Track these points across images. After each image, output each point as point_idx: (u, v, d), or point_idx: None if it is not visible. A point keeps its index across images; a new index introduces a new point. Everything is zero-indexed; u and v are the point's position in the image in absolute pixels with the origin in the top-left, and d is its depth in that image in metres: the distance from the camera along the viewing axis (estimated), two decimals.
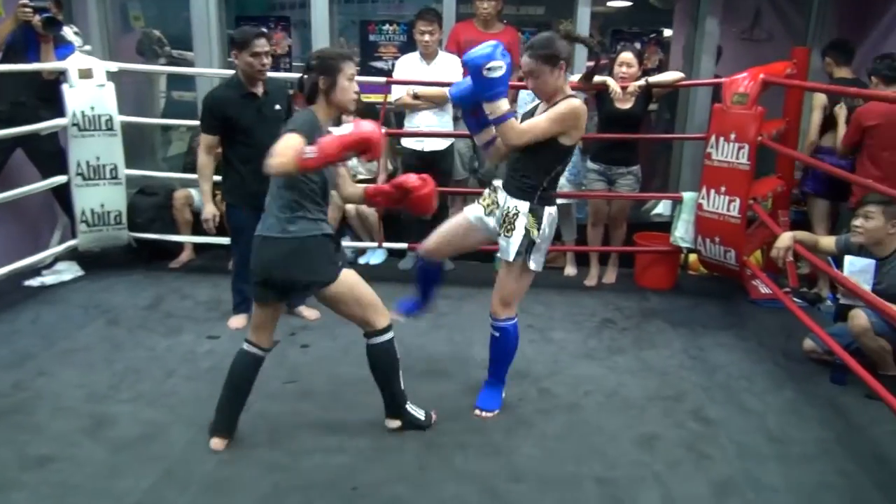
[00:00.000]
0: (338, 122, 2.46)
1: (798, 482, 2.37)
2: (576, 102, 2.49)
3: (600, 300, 4.00)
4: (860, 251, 3.14)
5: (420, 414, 2.63)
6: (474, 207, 2.78)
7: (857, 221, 3.08)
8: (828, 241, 3.30)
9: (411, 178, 2.53)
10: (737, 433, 2.65)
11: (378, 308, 2.46)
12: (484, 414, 2.76)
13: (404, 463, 2.43)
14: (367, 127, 2.20)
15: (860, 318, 2.95)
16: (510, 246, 2.57)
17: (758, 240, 4.01)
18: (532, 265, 2.60)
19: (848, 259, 3.07)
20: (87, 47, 4.26)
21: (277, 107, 3.36)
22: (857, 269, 2.99)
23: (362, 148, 2.18)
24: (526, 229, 2.55)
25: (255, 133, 3.21)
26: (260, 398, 2.82)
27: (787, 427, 2.70)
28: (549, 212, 2.61)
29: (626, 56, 3.95)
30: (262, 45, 3.17)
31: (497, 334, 2.71)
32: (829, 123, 4.06)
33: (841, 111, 3.97)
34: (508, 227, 2.58)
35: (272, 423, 2.66)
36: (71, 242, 4.18)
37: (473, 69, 2.39)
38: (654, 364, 3.22)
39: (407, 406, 2.61)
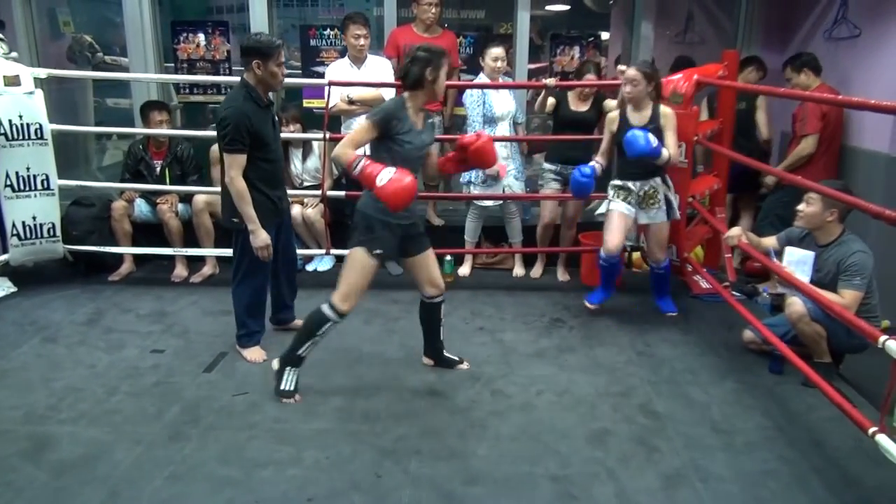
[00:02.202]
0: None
1: (743, 470, 2.46)
2: (670, 109, 3.49)
3: (549, 300, 4.06)
4: (802, 241, 3.25)
5: (290, 384, 2.86)
6: (619, 204, 3.55)
7: (800, 206, 3.19)
8: (770, 241, 3.43)
9: (466, 137, 2.91)
10: (683, 425, 2.73)
11: (352, 297, 2.77)
12: (671, 314, 3.72)
13: (359, 471, 2.42)
14: (396, 189, 2.54)
15: (796, 304, 3.06)
16: (661, 211, 3.54)
17: (697, 237, 4.15)
18: (676, 216, 3.63)
19: (787, 250, 3.20)
20: (14, 54, 4.08)
21: (276, 117, 3.26)
22: (794, 260, 3.12)
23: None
24: (665, 195, 3.54)
25: (272, 146, 3.10)
26: (209, 412, 2.77)
27: (730, 417, 2.80)
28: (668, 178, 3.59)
29: (591, 76, 4.09)
30: (282, 54, 3.00)
31: (662, 272, 3.71)
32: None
33: (763, 103, 4.48)
34: (651, 200, 3.52)
35: (222, 436, 2.60)
36: (2, 258, 4.00)
37: (649, 151, 3.28)
38: (602, 361, 3.29)
39: (289, 368, 2.86)
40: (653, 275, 3.78)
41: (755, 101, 4.47)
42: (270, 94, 3.17)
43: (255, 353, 3.26)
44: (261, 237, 3.02)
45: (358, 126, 2.62)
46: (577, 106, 4.13)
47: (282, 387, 2.85)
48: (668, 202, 3.56)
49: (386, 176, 2.54)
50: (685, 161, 3.77)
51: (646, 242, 3.84)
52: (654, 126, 3.41)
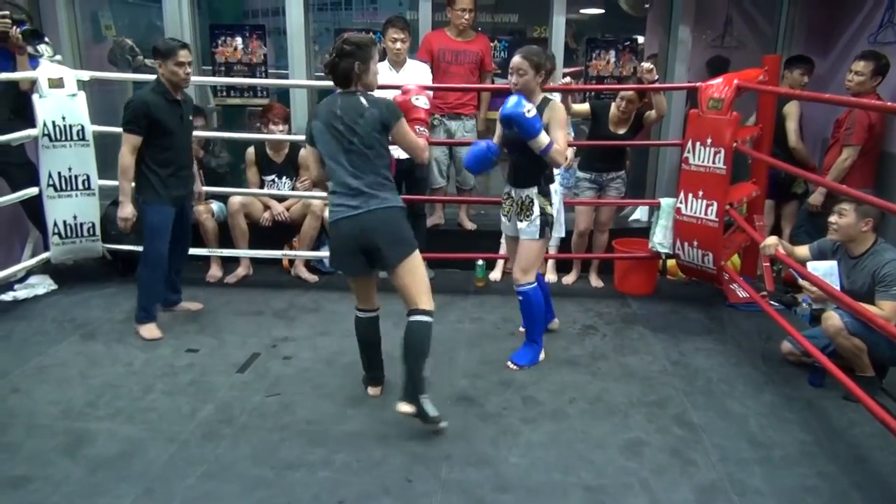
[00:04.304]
0: None
1: (781, 485, 2.40)
2: (559, 103, 3.07)
3: (581, 307, 4.02)
4: (835, 252, 3.20)
5: (433, 408, 2.62)
6: (503, 223, 3.27)
7: (832, 218, 3.14)
8: (802, 250, 3.37)
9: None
10: (720, 438, 2.67)
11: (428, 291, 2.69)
12: (513, 366, 3.19)
13: (390, 475, 2.41)
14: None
15: (833, 318, 3.00)
16: (531, 227, 3.08)
17: (734, 245, 4.07)
18: (555, 234, 3.11)
19: (810, 265, 3.14)
20: (58, 57, 4.17)
21: (191, 116, 3.61)
22: (819, 274, 3.05)
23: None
24: (541, 208, 3.07)
25: (176, 137, 3.41)
26: (242, 412, 2.79)
27: (768, 430, 2.73)
28: (554, 189, 3.17)
29: (630, 93, 4.05)
30: (185, 55, 3.33)
31: (521, 298, 3.16)
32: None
33: (792, 110, 4.33)
34: (526, 212, 3.09)
35: (255, 437, 2.62)
36: (43, 255, 4.09)
37: (518, 116, 2.86)
38: (636, 370, 3.24)
39: (423, 397, 2.61)
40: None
41: (783, 108, 4.36)
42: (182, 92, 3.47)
43: (150, 331, 3.49)
44: (125, 210, 3.40)
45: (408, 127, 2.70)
46: (616, 128, 4.14)
47: (431, 415, 2.60)
48: (545, 218, 3.08)
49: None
50: (724, 167, 3.70)
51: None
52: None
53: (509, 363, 3.21)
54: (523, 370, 3.19)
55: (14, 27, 3.72)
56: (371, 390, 2.95)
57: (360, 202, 2.57)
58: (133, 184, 3.42)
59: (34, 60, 3.92)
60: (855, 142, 3.91)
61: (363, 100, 2.58)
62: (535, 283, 3.15)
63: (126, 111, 3.32)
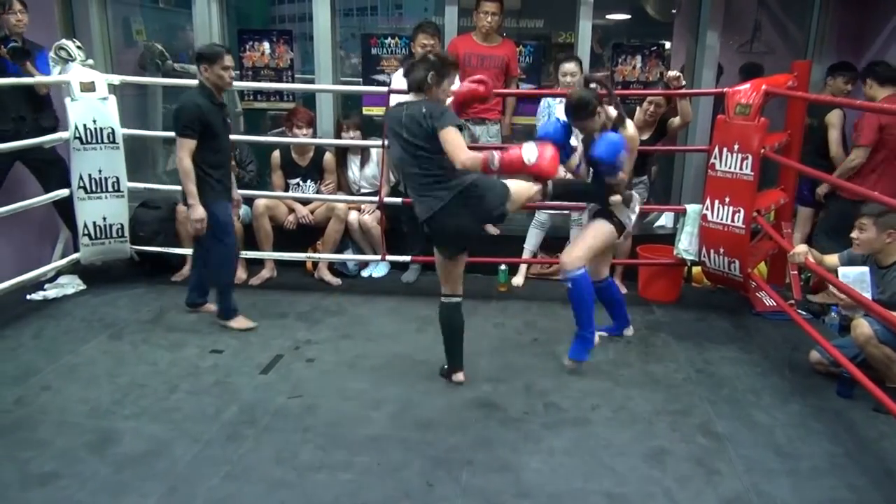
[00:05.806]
0: None
1: (809, 497, 2.35)
2: (633, 131, 3.08)
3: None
4: (865, 262, 3.15)
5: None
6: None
7: (854, 234, 3.13)
8: (832, 258, 3.32)
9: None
10: (745, 448, 2.63)
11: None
12: (571, 363, 3.21)
13: (411, 479, 2.41)
14: (548, 157, 2.63)
15: (863, 326, 2.95)
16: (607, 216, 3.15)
17: (762, 252, 4.02)
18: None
19: (841, 271, 3.08)
20: (90, 61, 4.25)
21: (228, 119, 3.67)
22: (850, 280, 3.00)
23: (536, 175, 2.74)
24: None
25: (221, 139, 3.50)
26: (265, 413, 2.81)
27: (795, 441, 2.69)
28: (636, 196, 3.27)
29: (657, 97, 4.04)
30: (230, 59, 3.44)
31: (570, 286, 3.13)
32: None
33: (835, 120, 4.26)
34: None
35: (277, 438, 2.64)
36: (73, 256, 4.17)
37: (612, 164, 2.93)
38: (660, 377, 3.21)
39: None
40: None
41: (825, 117, 4.29)
42: (224, 96, 3.56)
43: (240, 322, 3.64)
44: (198, 212, 3.40)
45: (455, 134, 2.63)
46: (640, 133, 4.08)
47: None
48: (623, 219, 3.17)
49: (531, 153, 2.62)
50: (751, 174, 3.66)
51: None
52: None
53: (567, 360, 3.23)
54: (544, 375, 3.18)
55: (1, 47, 3.82)
56: (454, 376, 3.11)
57: (421, 203, 2.82)
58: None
59: (45, 66, 3.99)
60: (863, 143, 3.88)
61: (423, 108, 2.70)
62: (584, 270, 3.10)
63: (179, 116, 3.36)
